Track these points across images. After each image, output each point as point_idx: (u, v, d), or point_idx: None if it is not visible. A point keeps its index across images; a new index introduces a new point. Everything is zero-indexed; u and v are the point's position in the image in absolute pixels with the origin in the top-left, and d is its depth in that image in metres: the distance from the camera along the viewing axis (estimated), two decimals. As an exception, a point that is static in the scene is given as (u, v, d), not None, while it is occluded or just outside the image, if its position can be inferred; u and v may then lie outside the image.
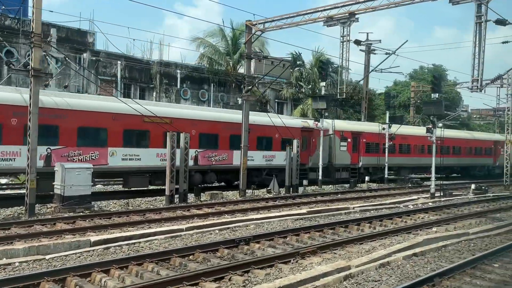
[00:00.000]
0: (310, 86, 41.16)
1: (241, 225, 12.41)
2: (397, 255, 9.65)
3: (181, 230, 11.64)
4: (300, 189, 21.93)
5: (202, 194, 18.26)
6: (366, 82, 33.70)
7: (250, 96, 19.40)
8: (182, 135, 16.73)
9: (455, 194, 23.66)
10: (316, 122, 24.12)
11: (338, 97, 30.54)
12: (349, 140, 25.52)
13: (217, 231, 11.62)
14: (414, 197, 21.51)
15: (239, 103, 33.26)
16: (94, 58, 28.35)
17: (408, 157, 30.69)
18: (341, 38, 21.95)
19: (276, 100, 40.58)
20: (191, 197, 17.68)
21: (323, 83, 23.37)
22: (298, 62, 42.21)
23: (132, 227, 11.88)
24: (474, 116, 66.84)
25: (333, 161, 25.68)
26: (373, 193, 23.37)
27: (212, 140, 20.44)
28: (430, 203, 19.73)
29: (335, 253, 9.97)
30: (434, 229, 13.57)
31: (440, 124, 20.91)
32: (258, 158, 21.96)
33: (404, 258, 9.51)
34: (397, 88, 53.46)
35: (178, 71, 32.40)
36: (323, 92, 23.84)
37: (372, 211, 16.84)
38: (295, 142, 21.53)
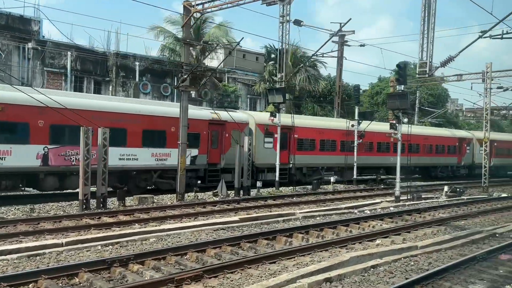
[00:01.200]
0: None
1: (137, 238, 10.25)
2: (303, 281, 7.52)
3: (59, 245, 9.49)
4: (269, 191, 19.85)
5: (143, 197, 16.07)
6: (339, 76, 31.56)
7: (189, 87, 17.23)
8: (100, 130, 14.55)
9: (426, 197, 21.61)
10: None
11: (281, 86, 26.96)
12: (276, 135, 21.64)
13: (99, 248, 9.45)
14: (378, 200, 19.42)
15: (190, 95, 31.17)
16: (40, 48, 26.08)
17: (365, 155, 27.02)
18: (280, 18, 19.75)
19: (249, 96, 38.43)
20: (116, 202, 15.55)
21: (279, 75, 21.25)
22: (273, 56, 40.18)
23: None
24: (469, 115, 64.48)
25: (254, 160, 21.50)
26: (336, 195, 21.29)
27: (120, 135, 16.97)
28: (391, 208, 17.64)
29: (227, 278, 7.85)
30: (378, 241, 11.47)
31: (406, 119, 18.87)
32: (144, 157, 17.89)
33: (310, 286, 7.40)
34: (381, 85, 51.31)
35: (137, 63, 30.18)
36: (278, 85, 21.67)
37: (318, 218, 14.72)
38: (246, 139, 19.39)
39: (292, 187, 22.15)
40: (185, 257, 9.14)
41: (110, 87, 29.58)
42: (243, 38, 23.02)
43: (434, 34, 11.99)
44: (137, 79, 30.28)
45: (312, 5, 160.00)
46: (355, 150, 25.25)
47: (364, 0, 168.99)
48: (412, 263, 9.33)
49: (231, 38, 33.21)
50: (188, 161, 18.61)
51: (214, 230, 11.73)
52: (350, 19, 26.24)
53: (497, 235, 13.12)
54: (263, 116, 23.21)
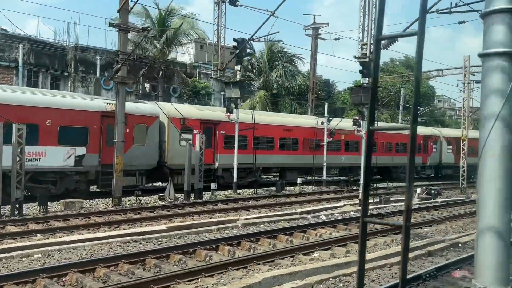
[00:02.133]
0: (262, 77, 37.40)
1: (15, 254, 8.51)
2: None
3: None
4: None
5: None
6: (313, 71, 29.91)
7: (126, 78, 15.52)
8: (14, 126, 12.81)
9: (396, 199, 20.00)
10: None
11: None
12: (195, 131, 18.72)
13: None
14: (341, 204, 17.79)
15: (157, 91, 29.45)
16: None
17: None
18: (215, -4, 18.16)
19: (222, 92, 36.65)
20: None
21: (237, 67, 19.55)
22: (248, 51, 38.44)
23: None
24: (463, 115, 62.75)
25: (166, 160, 18.77)
26: (299, 198, 19.66)
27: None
28: (352, 212, 16.02)
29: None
30: (315, 254, 9.83)
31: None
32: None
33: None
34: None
35: (98, 57, 28.41)
36: (238, 77, 19.96)
37: (262, 225, 13.06)
38: (198, 136, 17.71)
39: (254, 190, 20.47)
40: (63, 279, 7.47)
41: (69, 82, 27.80)
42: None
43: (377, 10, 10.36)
44: (98, 74, 28.50)
45: (310, 5, 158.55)
46: (325, 149, 23.63)
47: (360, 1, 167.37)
48: (341, 285, 7.69)
49: (201, 31, 31.64)
50: (71, 162, 16.23)
51: (124, 243, 10.03)
52: (320, 16, 24.46)
53: (460, 244, 11.55)
54: (179, 109, 19.70)
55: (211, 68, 36.28)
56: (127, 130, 16.74)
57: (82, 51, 27.96)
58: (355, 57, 12.44)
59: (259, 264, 8.71)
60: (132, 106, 18.13)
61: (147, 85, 27.47)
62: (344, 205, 17.44)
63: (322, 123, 23.78)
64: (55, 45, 27.39)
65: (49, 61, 27.10)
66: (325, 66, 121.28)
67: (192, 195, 17.57)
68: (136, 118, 17.94)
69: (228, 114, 19.00)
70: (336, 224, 13.34)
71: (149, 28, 15.53)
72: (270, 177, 28.04)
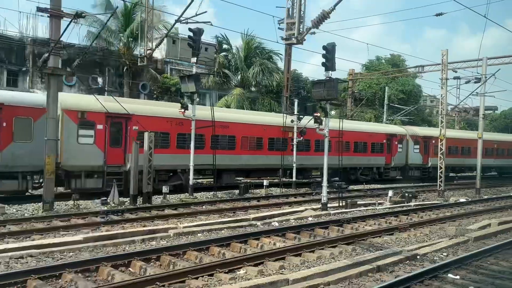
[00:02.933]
0: (239, 74, 35.90)
1: None
2: None
3: None
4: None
5: None
6: (288, 66, 28.44)
7: (58, 69, 13.99)
8: None
9: (367, 203, 18.61)
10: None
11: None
12: (100, 126, 15.92)
13: None
14: (301, 208, 16.33)
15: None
16: None
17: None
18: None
19: (196, 90, 35.16)
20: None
21: (193, 59, 18.04)
22: (225, 47, 37.05)
23: None
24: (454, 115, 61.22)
25: (60, 161, 15.94)
26: (262, 202, 18.20)
27: None
28: (310, 218, 14.56)
29: None
30: (242, 271, 8.37)
31: (333, 112, 15.83)
32: None
33: None
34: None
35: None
36: (194, 70, 18.42)
37: (200, 234, 11.57)
38: (146, 135, 16.20)
39: (213, 193, 18.96)
40: None
41: (28, 78, 26.20)
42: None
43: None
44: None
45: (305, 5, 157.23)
46: (294, 149, 22.18)
47: (356, 1, 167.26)
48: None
49: (169, 24, 30.05)
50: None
51: (15, 258, 8.51)
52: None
53: (418, 257, 10.14)
54: (77, 100, 17.44)
55: (184, 64, 34.99)
56: (4, 124, 14.88)
57: (42, 44, 26.33)
58: (282, 38, 11.01)
59: (162, 286, 7.23)
60: (8, 96, 15.71)
61: (100, 80, 25.92)
62: (306, 209, 15.99)
63: (292, 121, 22.32)
64: (12, 38, 25.77)
65: (5, 55, 25.48)
66: (304, 62, 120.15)
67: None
68: (16, 110, 15.42)
69: (183, 110, 17.46)
70: (286, 232, 11.87)
71: (84, 14, 13.95)
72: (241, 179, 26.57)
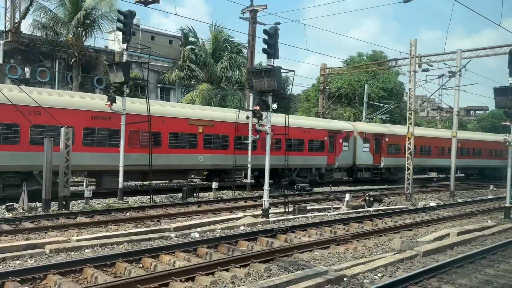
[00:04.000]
0: (206, 69, 33.85)
1: None
2: None
3: None
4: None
5: None
6: (251, 59, 26.41)
7: None
8: None
9: (321, 208, 16.70)
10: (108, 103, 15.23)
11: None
12: None
13: None
14: (240, 215, 14.34)
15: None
16: None
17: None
18: None
19: (159, 85, 33.08)
20: None
21: (123, 45, 16.00)
22: (191, 39, 34.97)
23: None
24: (445, 115, 59.35)
25: None
26: (203, 207, 16.21)
27: None
28: (242, 227, 12.58)
29: None
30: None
31: (275, 105, 13.91)
32: None
33: None
34: (329, 77, 46.39)
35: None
36: (124, 58, 16.33)
37: (89, 250, 9.54)
38: (63, 131, 14.13)
39: (149, 196, 16.89)
40: None
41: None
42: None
43: None
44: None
45: (300, 5, 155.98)
46: (249, 148, 20.20)
47: (352, 1, 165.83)
48: None
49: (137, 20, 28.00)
50: None
51: None
52: None
53: (345, 279, 8.22)
54: None
55: (145, 57, 32.84)
56: None
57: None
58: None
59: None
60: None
61: (27, 70, 23.78)
62: (245, 216, 14.01)
63: (247, 117, 20.29)
64: None
65: None
66: (301, 62, 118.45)
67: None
68: None
69: (109, 103, 15.38)
70: (197, 247, 9.89)
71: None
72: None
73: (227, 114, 20.85)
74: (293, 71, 14.64)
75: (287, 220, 13.88)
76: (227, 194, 19.87)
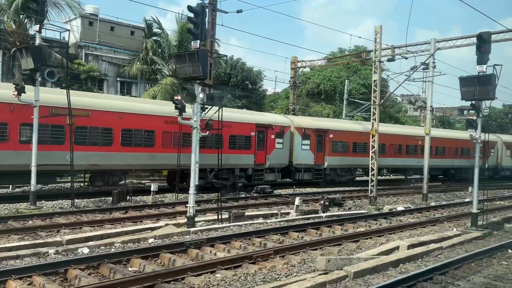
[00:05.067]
0: (170, 62, 31.74)
1: None
2: None
3: None
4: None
5: None
6: (211, 49, 24.26)
7: None
8: None
9: (267, 213, 14.73)
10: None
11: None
12: None
13: None
14: (161, 223, 12.33)
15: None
16: None
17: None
18: None
19: (119, 79, 30.94)
20: None
21: (36, 27, 13.83)
22: (155, 30, 32.84)
23: None
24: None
25: None
26: (131, 213, 14.20)
27: None
28: (151, 240, 10.56)
29: None
30: None
31: (201, 95, 11.90)
32: None
33: None
34: (307, 73, 44.44)
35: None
36: (37, 41, 14.19)
37: None
38: None
39: (71, 202, 14.78)
40: None
41: None
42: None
43: None
44: None
45: (298, 6, 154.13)
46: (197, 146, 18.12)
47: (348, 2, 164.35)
48: None
49: (75, 2, 25.96)
50: None
51: None
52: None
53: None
54: None
55: (103, 48, 30.78)
56: None
57: None
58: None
59: None
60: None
61: None
62: (166, 225, 12.00)
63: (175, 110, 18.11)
64: None
65: None
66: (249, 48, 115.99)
67: None
68: None
69: (16, 94, 13.32)
70: (69, 267, 7.87)
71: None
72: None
73: (166, 108, 18.45)
74: (226, 56, 12.65)
75: (214, 229, 11.86)
76: (169, 197, 17.86)
